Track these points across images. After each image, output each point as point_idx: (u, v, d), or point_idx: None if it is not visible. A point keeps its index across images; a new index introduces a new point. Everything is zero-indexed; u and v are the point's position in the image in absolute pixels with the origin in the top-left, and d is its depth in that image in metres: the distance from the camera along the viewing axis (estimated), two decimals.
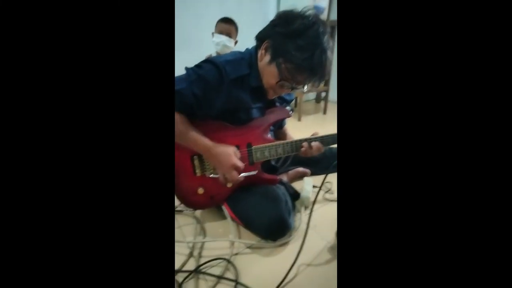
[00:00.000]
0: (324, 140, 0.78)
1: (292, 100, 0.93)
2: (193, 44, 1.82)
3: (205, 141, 0.71)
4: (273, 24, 0.67)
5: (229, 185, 0.79)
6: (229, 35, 1.39)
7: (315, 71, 0.66)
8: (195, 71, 0.68)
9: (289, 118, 0.87)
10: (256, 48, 0.72)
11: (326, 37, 0.64)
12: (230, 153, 0.71)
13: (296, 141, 0.77)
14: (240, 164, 0.72)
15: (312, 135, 0.79)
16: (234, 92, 0.70)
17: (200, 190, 0.77)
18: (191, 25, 1.85)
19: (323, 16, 2.28)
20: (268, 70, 0.69)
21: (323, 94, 2.27)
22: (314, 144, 0.77)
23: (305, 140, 0.77)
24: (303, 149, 0.77)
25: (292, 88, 0.71)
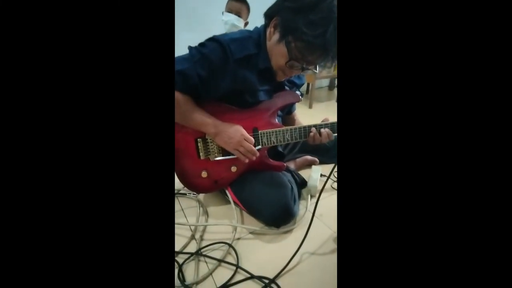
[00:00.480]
0: (335, 126, 0.74)
1: (302, 84, 0.88)
2: (204, 25, 1.77)
3: (211, 119, 0.69)
4: None
5: (234, 169, 0.77)
6: (238, 14, 1.33)
7: (328, 49, 0.60)
8: (198, 50, 0.65)
9: (300, 105, 0.83)
10: (265, 26, 0.67)
11: None
12: (239, 127, 0.70)
13: (305, 127, 0.74)
14: (249, 136, 0.70)
15: (322, 121, 0.76)
16: (239, 72, 0.66)
17: (204, 174, 0.76)
18: (202, 5, 1.80)
19: None
20: (277, 50, 0.64)
21: (337, 81, 2.18)
22: (324, 130, 0.73)
23: (314, 126, 0.74)
24: (311, 134, 0.73)
25: (303, 69, 0.66)
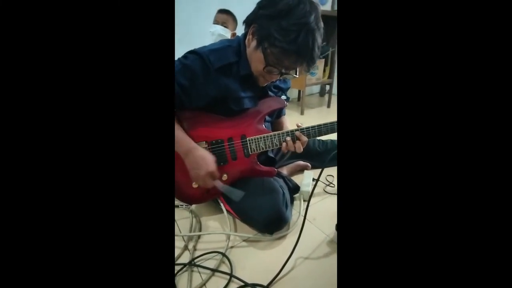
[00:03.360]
0: (322, 129, 0.76)
1: (288, 88, 0.90)
2: (194, 38, 1.80)
3: (188, 141, 0.69)
4: (259, 7, 0.64)
5: (225, 177, 0.77)
6: (225, 24, 1.37)
7: (302, 54, 0.62)
8: (180, 61, 0.67)
9: (292, 111, 0.85)
10: (245, 34, 0.70)
11: (313, 17, 0.60)
12: (209, 160, 0.69)
13: (292, 130, 0.75)
14: (217, 173, 0.71)
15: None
16: (222, 81, 0.68)
17: (195, 184, 0.76)
18: (192, 19, 1.83)
19: (327, 6, 2.23)
20: (255, 56, 0.66)
21: (327, 87, 2.22)
22: (297, 139, 0.74)
23: (301, 130, 0.75)
24: (284, 144, 0.74)
25: (281, 74, 0.68)
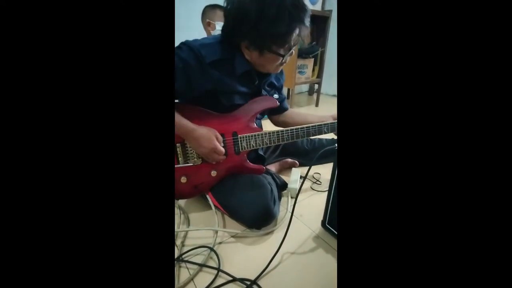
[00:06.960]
0: (310, 130, 0.78)
1: (281, 86, 0.92)
2: (184, 33, 1.78)
3: (186, 123, 0.70)
4: (233, 26, 0.67)
5: (214, 174, 0.78)
6: None
7: (290, 13, 0.63)
8: (175, 53, 0.67)
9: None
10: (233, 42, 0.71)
11: None
12: (211, 137, 0.71)
13: (282, 130, 0.77)
14: (220, 147, 0.72)
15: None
16: (215, 75, 0.69)
17: (183, 179, 0.76)
18: (182, 14, 1.81)
19: (317, 6, 2.26)
20: (243, 46, 0.69)
21: (316, 87, 2.26)
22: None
23: (291, 129, 0.77)
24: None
25: (280, 55, 0.69)
